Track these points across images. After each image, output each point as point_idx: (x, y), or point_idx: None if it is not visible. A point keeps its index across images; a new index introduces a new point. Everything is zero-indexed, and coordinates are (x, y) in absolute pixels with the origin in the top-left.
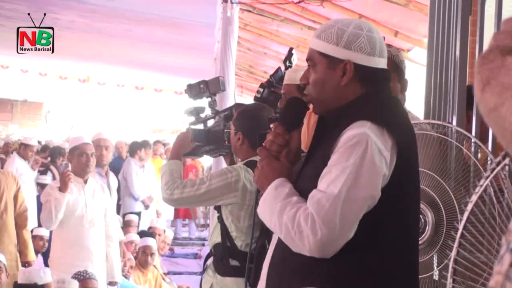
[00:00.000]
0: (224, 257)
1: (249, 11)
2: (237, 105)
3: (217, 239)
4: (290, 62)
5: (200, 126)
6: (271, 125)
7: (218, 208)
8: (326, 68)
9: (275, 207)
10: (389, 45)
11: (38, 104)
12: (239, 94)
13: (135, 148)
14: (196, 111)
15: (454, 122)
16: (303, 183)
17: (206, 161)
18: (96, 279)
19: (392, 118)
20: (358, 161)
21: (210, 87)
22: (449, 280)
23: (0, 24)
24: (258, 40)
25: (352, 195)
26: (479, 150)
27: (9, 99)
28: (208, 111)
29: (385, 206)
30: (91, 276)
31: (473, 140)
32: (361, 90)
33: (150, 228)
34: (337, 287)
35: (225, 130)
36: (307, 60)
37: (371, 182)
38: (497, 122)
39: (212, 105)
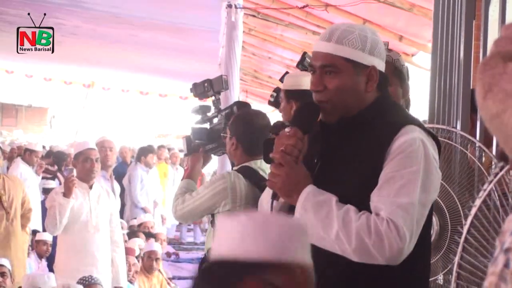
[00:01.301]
0: None
1: (254, 16)
2: (238, 103)
3: (211, 244)
4: (304, 66)
5: (206, 125)
6: (287, 130)
7: (212, 214)
8: (353, 74)
9: (330, 218)
10: (389, 50)
11: (42, 109)
12: (244, 99)
13: (141, 154)
14: (202, 110)
15: (459, 127)
16: (343, 190)
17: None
18: (101, 284)
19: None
20: (422, 167)
21: (214, 86)
22: (453, 285)
23: (3, 29)
24: (262, 45)
25: (423, 201)
26: (483, 155)
27: (13, 104)
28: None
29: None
30: (96, 281)
31: (477, 145)
32: (376, 94)
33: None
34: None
35: (222, 134)
36: (324, 66)
37: (435, 186)
38: (499, 129)
39: (216, 104)
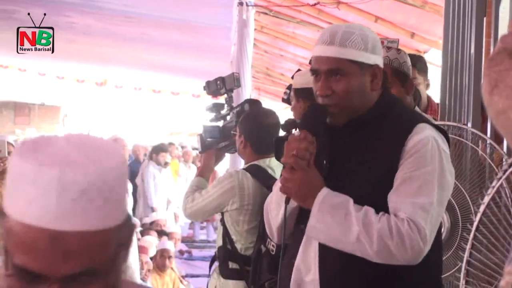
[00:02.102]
0: (225, 260)
1: (265, 13)
2: (249, 101)
3: (220, 242)
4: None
5: (220, 123)
6: (295, 131)
7: (222, 212)
8: (359, 75)
9: (349, 221)
10: (388, 48)
11: (55, 107)
12: (257, 96)
13: (153, 152)
14: (216, 108)
15: (469, 124)
16: (354, 191)
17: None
18: None
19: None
20: (438, 165)
21: (226, 84)
22: (462, 282)
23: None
24: (274, 42)
25: (441, 200)
26: (494, 151)
27: (26, 103)
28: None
29: None
30: None
31: (488, 141)
32: (379, 92)
33: (169, 233)
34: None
35: (232, 132)
36: (331, 70)
37: (450, 183)
38: (506, 125)
39: (228, 101)
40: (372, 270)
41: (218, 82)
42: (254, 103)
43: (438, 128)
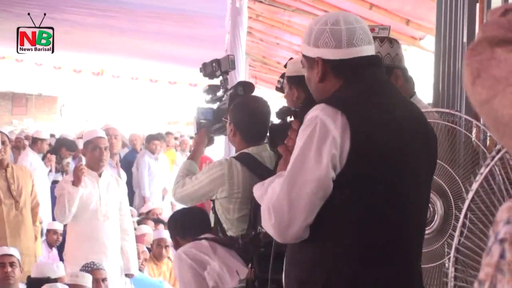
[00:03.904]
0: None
1: (261, 1)
2: (242, 83)
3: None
4: None
5: (216, 105)
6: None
7: (212, 200)
8: (308, 68)
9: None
10: (381, 41)
11: (52, 98)
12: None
13: (146, 141)
14: (212, 89)
15: (463, 110)
16: None
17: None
18: (104, 269)
19: (350, 100)
20: (306, 143)
21: (221, 66)
22: (451, 269)
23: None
24: (270, 30)
25: (299, 179)
26: (487, 137)
27: (23, 93)
28: None
29: (349, 187)
30: (98, 266)
31: (481, 128)
32: (338, 82)
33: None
34: (318, 270)
35: (223, 119)
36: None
37: (317, 164)
38: (489, 115)
39: (223, 83)
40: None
41: (214, 64)
42: (247, 85)
43: (349, 112)
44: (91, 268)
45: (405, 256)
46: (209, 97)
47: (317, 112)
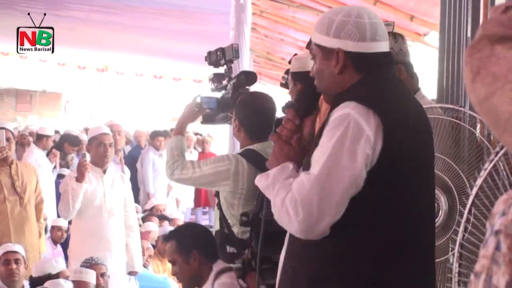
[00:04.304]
0: (222, 244)
1: None
2: (245, 72)
3: (217, 226)
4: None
5: (219, 94)
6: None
7: (217, 195)
8: (322, 59)
9: (274, 188)
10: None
11: (57, 94)
12: (258, 81)
13: (150, 137)
14: (217, 78)
15: (467, 106)
16: (307, 168)
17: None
18: (104, 264)
19: (380, 99)
20: (339, 141)
21: (225, 54)
22: (455, 265)
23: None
24: (274, 26)
25: (332, 176)
26: (492, 133)
27: (28, 89)
28: None
29: (375, 187)
30: (97, 261)
31: (485, 123)
32: (357, 76)
33: (171, 220)
34: (333, 267)
35: (228, 114)
36: (310, 52)
37: (352, 163)
38: (489, 112)
39: (227, 72)
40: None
41: (218, 52)
42: (250, 75)
43: (380, 110)
44: (89, 264)
45: (422, 254)
46: (214, 85)
47: (348, 110)
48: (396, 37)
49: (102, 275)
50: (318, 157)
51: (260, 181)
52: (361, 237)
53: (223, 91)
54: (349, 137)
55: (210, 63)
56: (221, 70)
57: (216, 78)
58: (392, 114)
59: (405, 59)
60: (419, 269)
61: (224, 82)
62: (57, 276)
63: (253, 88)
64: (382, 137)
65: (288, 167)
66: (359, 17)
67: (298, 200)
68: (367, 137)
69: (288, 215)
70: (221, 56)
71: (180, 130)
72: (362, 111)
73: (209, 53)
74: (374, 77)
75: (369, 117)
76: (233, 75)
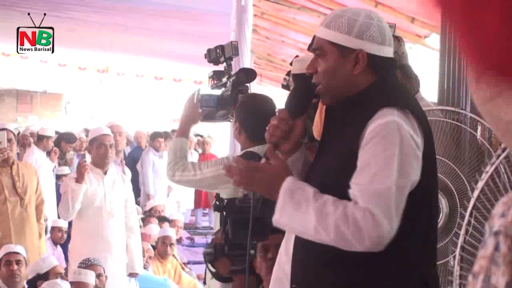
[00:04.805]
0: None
1: None
2: (243, 70)
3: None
4: None
5: (218, 91)
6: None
7: (217, 197)
8: (338, 57)
9: (308, 212)
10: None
11: (57, 95)
12: (258, 83)
13: (151, 138)
14: (217, 75)
15: (468, 108)
16: (325, 176)
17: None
18: (101, 265)
19: (412, 104)
20: (398, 150)
21: (225, 52)
22: (456, 268)
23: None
24: (275, 28)
25: (400, 185)
26: (492, 135)
27: (28, 90)
28: None
29: (417, 192)
30: (93, 262)
31: (486, 126)
32: (372, 79)
33: (171, 221)
34: (364, 274)
35: (229, 116)
36: (314, 49)
37: (414, 169)
38: (492, 113)
39: (227, 70)
40: (341, 261)
41: (218, 50)
42: (249, 72)
43: (415, 113)
44: (86, 264)
45: (435, 255)
46: (214, 83)
47: (393, 117)
48: (399, 40)
49: (99, 275)
50: (379, 167)
51: (280, 215)
52: (399, 241)
53: (223, 89)
54: (406, 145)
55: (210, 61)
56: (221, 67)
57: (216, 76)
58: (424, 118)
59: (402, 61)
60: (436, 270)
61: (224, 80)
62: (47, 274)
63: (254, 90)
64: (422, 140)
65: (301, 185)
66: (380, 21)
67: (377, 214)
68: (416, 143)
69: (361, 231)
70: (221, 54)
71: (183, 132)
72: (405, 117)
73: (209, 50)
74: (390, 80)
75: (413, 123)
76: (232, 73)
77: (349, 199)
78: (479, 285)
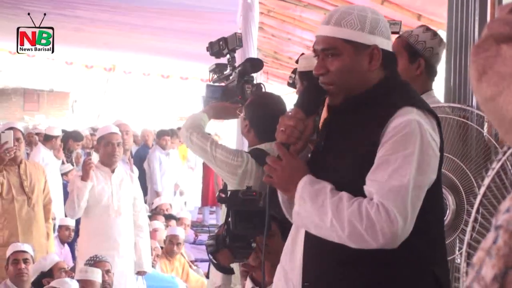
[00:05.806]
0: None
1: None
2: (250, 60)
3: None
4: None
5: (222, 84)
6: (289, 110)
7: (223, 188)
8: (353, 55)
9: (325, 206)
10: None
11: (64, 93)
12: (265, 80)
13: (157, 137)
14: (219, 69)
15: (474, 105)
16: (337, 176)
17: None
18: (108, 261)
19: (424, 102)
20: (418, 148)
21: (228, 44)
22: (463, 264)
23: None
24: (281, 26)
25: (418, 183)
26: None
27: (35, 89)
28: None
29: (432, 189)
30: (101, 258)
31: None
32: (382, 74)
33: (178, 219)
34: (384, 273)
35: (237, 112)
36: (326, 50)
37: (432, 168)
38: (494, 112)
39: (231, 61)
40: (348, 254)
41: (221, 42)
42: (255, 62)
43: (431, 112)
44: (94, 261)
45: (445, 252)
46: (216, 76)
47: (413, 116)
48: (436, 36)
49: (107, 272)
50: (399, 165)
51: (299, 209)
52: (416, 239)
53: (226, 81)
54: (426, 144)
55: (212, 54)
56: (224, 60)
57: (218, 69)
58: (437, 116)
59: (430, 56)
60: (447, 264)
61: (226, 72)
62: (50, 271)
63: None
64: (439, 138)
65: (319, 181)
66: (382, 16)
67: (391, 210)
68: (435, 141)
69: (375, 227)
70: (224, 46)
71: (208, 109)
72: (423, 115)
73: (211, 43)
74: (394, 76)
75: (432, 122)
76: (236, 64)
77: (364, 197)
78: (471, 275)
